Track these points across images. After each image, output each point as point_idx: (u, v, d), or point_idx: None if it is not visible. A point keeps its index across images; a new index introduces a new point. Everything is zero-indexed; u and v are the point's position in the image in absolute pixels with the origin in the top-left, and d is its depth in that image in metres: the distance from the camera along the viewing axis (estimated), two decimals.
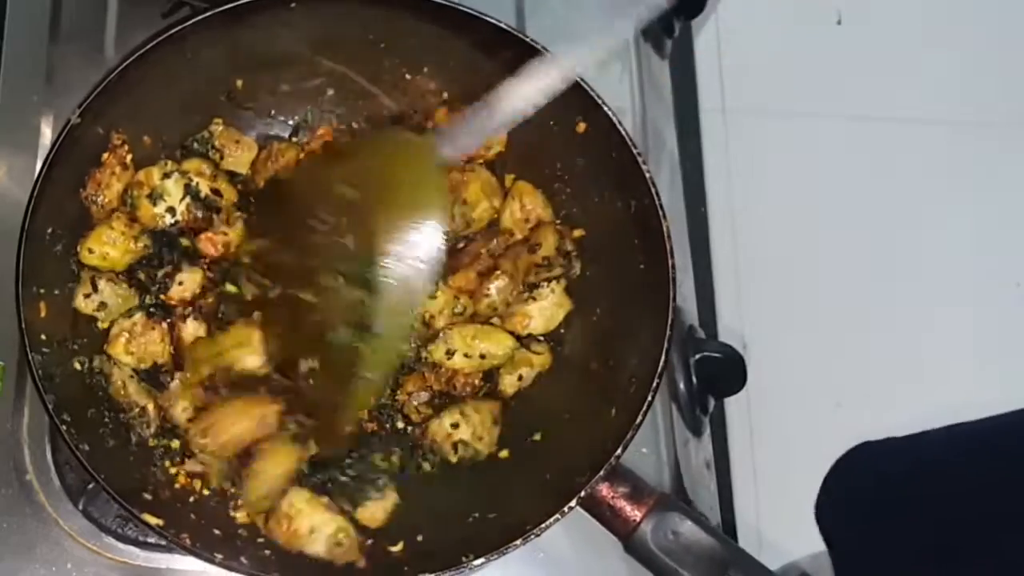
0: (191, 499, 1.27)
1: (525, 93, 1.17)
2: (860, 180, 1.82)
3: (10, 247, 1.19)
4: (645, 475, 1.26)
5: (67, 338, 1.27)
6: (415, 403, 1.37)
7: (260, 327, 1.29)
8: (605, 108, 1.30)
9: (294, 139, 1.44)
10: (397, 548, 1.26)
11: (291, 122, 1.44)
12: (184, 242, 1.34)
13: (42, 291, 1.23)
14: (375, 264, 1.19)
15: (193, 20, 1.25)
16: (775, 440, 1.68)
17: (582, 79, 1.29)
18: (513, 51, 1.30)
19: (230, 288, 1.34)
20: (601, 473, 1.20)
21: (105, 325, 1.31)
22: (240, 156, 1.40)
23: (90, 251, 1.29)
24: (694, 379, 1.51)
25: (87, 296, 1.29)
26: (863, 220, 1.80)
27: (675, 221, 1.35)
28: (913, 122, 1.86)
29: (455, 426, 1.33)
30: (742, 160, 1.80)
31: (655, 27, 1.69)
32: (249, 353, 1.30)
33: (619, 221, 1.33)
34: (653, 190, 1.27)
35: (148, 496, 1.21)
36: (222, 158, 1.39)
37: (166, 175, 1.34)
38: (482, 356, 1.36)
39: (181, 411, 1.29)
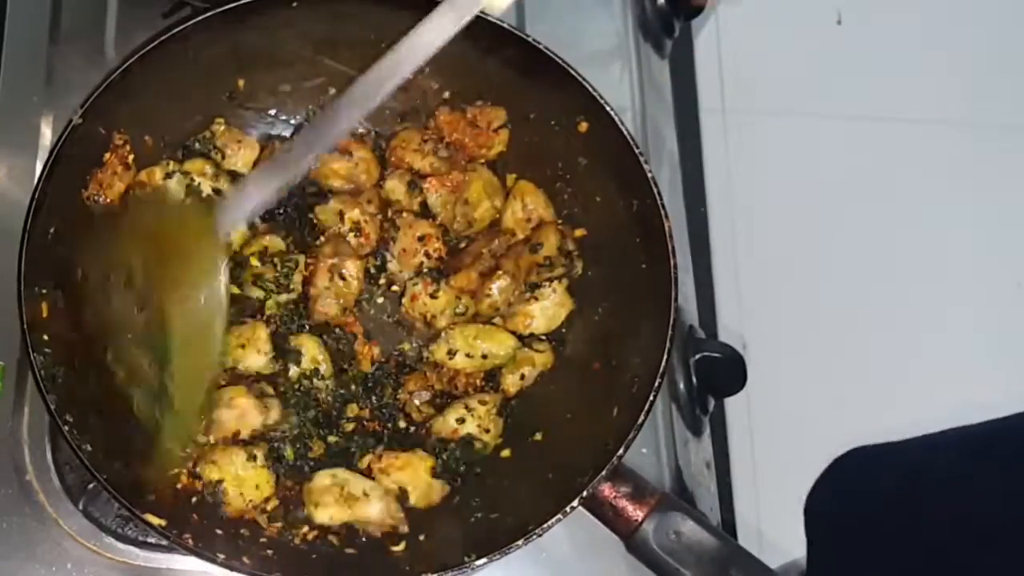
0: (193, 499, 1.26)
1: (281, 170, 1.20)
2: (860, 180, 1.83)
3: (11, 247, 1.19)
4: (645, 475, 1.26)
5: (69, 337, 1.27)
6: (416, 402, 1.37)
7: None
8: (607, 108, 1.30)
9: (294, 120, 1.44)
10: (399, 548, 1.26)
11: (293, 121, 1.44)
12: None
13: (44, 291, 1.23)
14: (164, 337, 1.18)
15: (194, 20, 1.25)
16: (775, 440, 1.68)
17: (584, 78, 1.29)
18: (514, 50, 1.30)
19: (233, 289, 1.34)
20: (603, 473, 1.20)
21: None
22: (242, 156, 1.40)
23: None
24: (694, 379, 1.51)
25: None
26: (863, 220, 1.80)
27: (675, 221, 1.34)
28: (913, 122, 1.86)
29: (460, 421, 1.33)
30: (742, 160, 1.80)
31: (655, 27, 1.69)
32: (253, 353, 1.31)
33: (621, 221, 1.33)
34: (655, 190, 1.27)
35: (150, 496, 1.21)
36: (224, 158, 1.38)
37: (168, 175, 1.34)
38: (484, 356, 1.36)
39: None
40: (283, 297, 1.36)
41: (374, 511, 1.26)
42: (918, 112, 1.87)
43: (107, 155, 1.30)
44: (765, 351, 1.68)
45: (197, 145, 1.38)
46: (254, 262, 1.35)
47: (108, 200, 1.31)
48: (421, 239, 1.39)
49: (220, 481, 1.25)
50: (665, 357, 1.23)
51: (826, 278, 1.77)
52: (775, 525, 1.61)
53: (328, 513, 1.26)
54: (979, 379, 1.72)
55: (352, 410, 1.35)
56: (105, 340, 1.23)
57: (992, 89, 1.90)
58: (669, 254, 1.26)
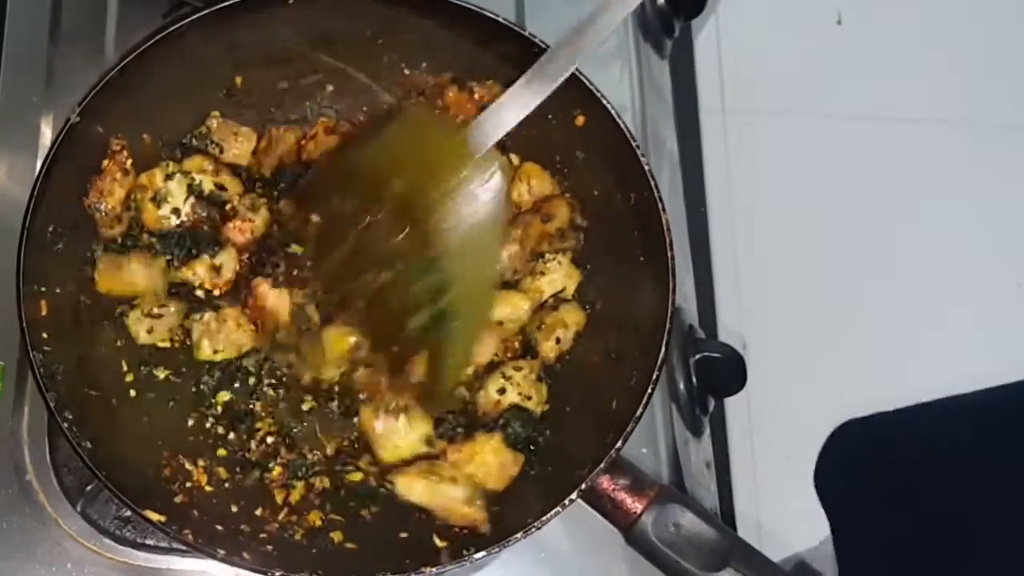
0: (193, 495, 1.27)
1: (537, 86, 1.20)
2: (860, 180, 1.82)
3: (10, 246, 1.19)
4: None
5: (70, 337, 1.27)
6: None
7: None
8: (604, 101, 1.30)
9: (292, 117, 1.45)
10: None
11: (291, 118, 1.44)
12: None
13: (43, 289, 1.23)
14: (436, 255, 1.21)
15: (191, 18, 1.25)
16: (775, 440, 1.68)
17: (580, 72, 1.29)
18: (512, 46, 1.30)
19: (296, 249, 1.35)
20: (602, 465, 1.20)
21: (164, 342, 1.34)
22: (240, 147, 1.40)
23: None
24: (694, 379, 1.51)
25: (149, 331, 1.32)
26: (863, 220, 1.80)
27: (675, 221, 1.35)
28: (913, 122, 1.86)
29: (501, 391, 1.33)
30: (742, 160, 1.80)
31: (655, 27, 1.69)
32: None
33: (619, 214, 1.33)
34: (652, 183, 1.27)
35: (150, 493, 1.21)
36: (222, 152, 1.39)
37: (168, 176, 1.34)
38: (500, 323, 1.36)
39: None
40: None
41: (459, 496, 1.27)
42: (918, 112, 1.87)
43: (105, 161, 1.31)
44: (765, 351, 1.68)
45: (194, 141, 1.38)
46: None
47: (109, 207, 1.31)
48: None
49: None
50: (663, 349, 1.23)
51: (826, 278, 1.77)
52: (775, 525, 1.61)
53: (416, 492, 1.28)
54: (979, 379, 1.72)
55: None
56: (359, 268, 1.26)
57: (992, 89, 1.89)
58: (667, 247, 1.26)
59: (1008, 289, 1.82)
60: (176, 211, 1.34)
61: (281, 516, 1.29)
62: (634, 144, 1.28)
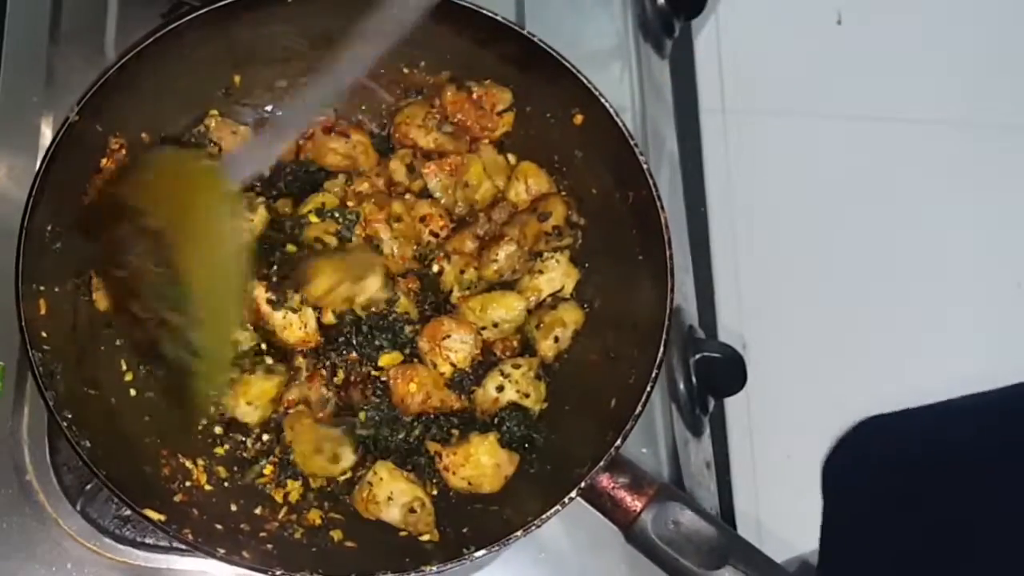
0: (193, 494, 1.27)
1: (306, 107, 1.24)
2: (860, 180, 1.82)
3: (10, 246, 1.19)
4: None
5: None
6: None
7: None
8: (602, 100, 1.30)
9: None
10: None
11: None
12: None
13: (42, 289, 1.23)
14: (185, 289, 1.20)
15: (189, 17, 1.25)
16: (775, 440, 1.68)
17: (579, 71, 1.29)
18: (512, 46, 1.30)
19: (291, 249, 1.35)
20: (601, 463, 1.20)
21: None
22: (238, 145, 1.40)
23: None
24: (694, 379, 1.51)
25: None
26: (863, 220, 1.80)
27: (675, 221, 1.35)
28: (913, 122, 1.86)
29: (500, 389, 1.33)
30: (742, 160, 1.80)
31: (655, 27, 1.69)
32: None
33: (617, 212, 1.33)
34: (651, 181, 1.27)
35: (150, 492, 1.21)
36: (221, 151, 1.39)
37: None
38: (495, 324, 1.35)
39: None
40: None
41: (393, 515, 1.27)
42: (918, 112, 1.86)
43: (104, 160, 1.31)
44: (765, 351, 1.68)
45: (192, 140, 1.38)
46: (313, 219, 1.35)
47: None
48: (423, 219, 1.39)
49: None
50: (662, 347, 1.23)
51: (826, 278, 1.77)
52: (775, 525, 1.61)
53: (359, 505, 1.29)
54: (979, 379, 1.71)
55: None
56: (131, 296, 1.26)
57: (992, 89, 1.89)
58: (665, 245, 1.26)
59: (1008, 289, 1.81)
60: None
61: (281, 515, 1.29)
62: (632, 143, 1.28)
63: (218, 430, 1.33)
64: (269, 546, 1.23)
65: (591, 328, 1.37)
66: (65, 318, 1.26)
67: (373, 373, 1.34)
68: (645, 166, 1.27)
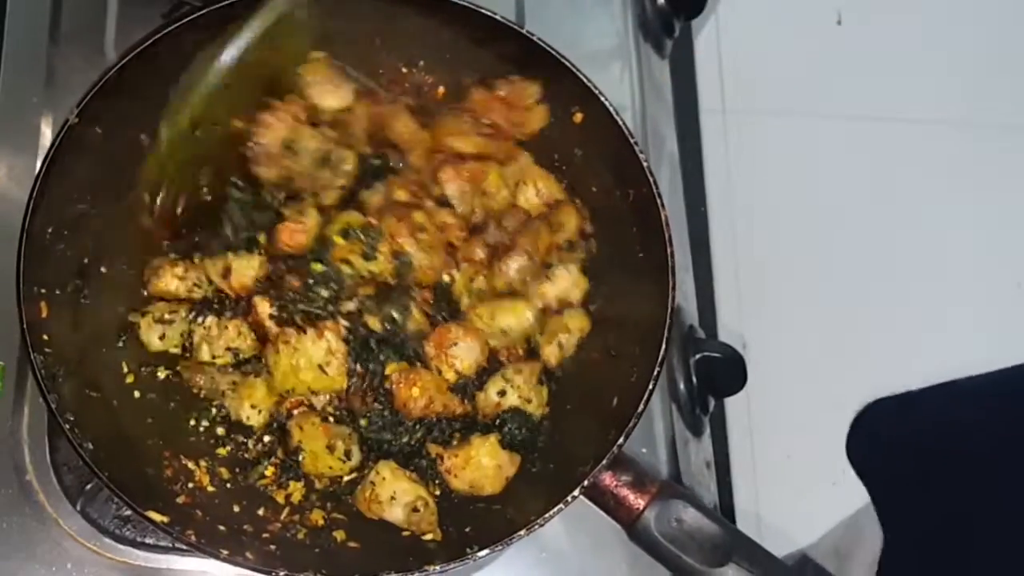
0: (196, 496, 1.27)
1: None
2: (860, 180, 1.83)
3: (11, 247, 1.19)
4: None
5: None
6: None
7: None
8: (602, 98, 1.30)
9: None
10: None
11: None
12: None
13: (43, 291, 1.23)
14: None
15: (188, 18, 1.25)
16: (775, 440, 1.68)
17: (578, 69, 1.29)
18: (511, 45, 1.30)
19: (316, 267, 1.34)
20: (604, 462, 1.20)
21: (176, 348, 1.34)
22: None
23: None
24: (694, 379, 1.51)
25: (161, 337, 1.33)
26: (863, 220, 1.80)
27: (675, 221, 1.35)
28: (913, 122, 1.86)
29: (502, 393, 1.32)
30: (742, 160, 1.80)
31: (655, 27, 1.69)
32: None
33: (617, 211, 1.33)
34: (651, 179, 1.27)
35: (153, 493, 1.21)
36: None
37: None
38: (504, 332, 1.35)
39: None
40: (373, 266, 1.34)
41: (397, 515, 1.27)
42: (918, 112, 1.87)
43: None
44: (765, 351, 1.68)
45: None
46: (339, 240, 1.34)
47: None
48: (442, 228, 1.37)
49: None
50: (664, 345, 1.23)
51: (826, 278, 1.77)
52: (775, 525, 1.61)
53: (363, 505, 1.29)
54: None
55: None
56: None
57: (992, 89, 1.90)
58: (666, 243, 1.26)
59: (1008, 289, 1.82)
60: None
61: (283, 515, 1.29)
62: (632, 140, 1.28)
63: (220, 431, 1.33)
64: (272, 547, 1.23)
65: (593, 327, 1.37)
66: (66, 320, 1.26)
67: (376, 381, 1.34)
68: (645, 164, 1.27)
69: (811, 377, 1.71)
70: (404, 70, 1.42)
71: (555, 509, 1.18)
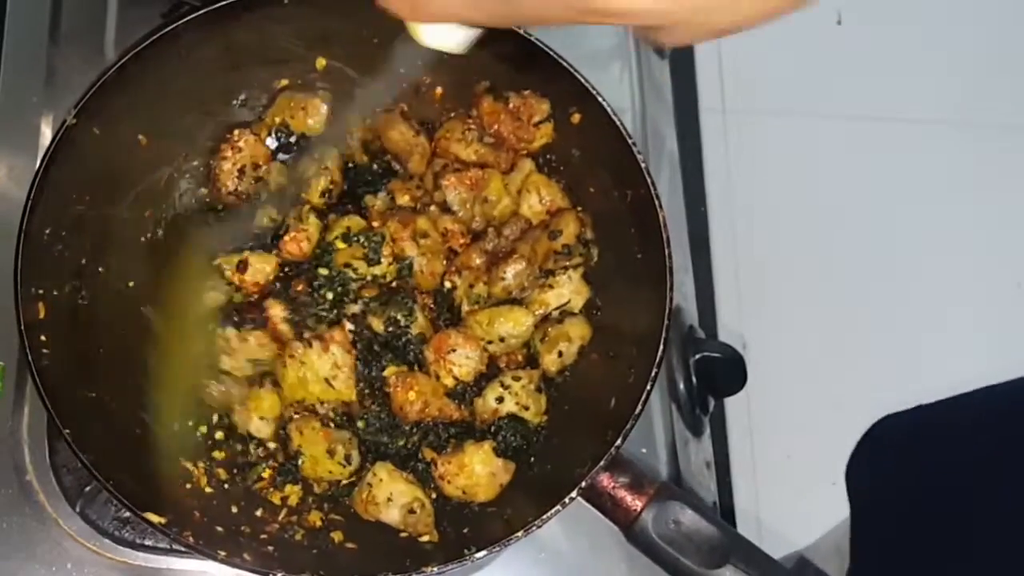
0: (194, 497, 1.27)
1: None
2: (860, 180, 1.83)
3: (10, 247, 1.19)
4: None
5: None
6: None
7: None
8: (599, 99, 1.29)
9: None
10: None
11: None
12: None
13: (41, 291, 1.23)
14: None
15: (187, 18, 1.25)
16: (775, 440, 1.68)
17: (575, 69, 1.29)
18: (510, 45, 1.30)
19: (322, 272, 1.35)
20: (602, 463, 1.20)
21: None
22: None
23: None
24: (694, 379, 1.50)
25: None
26: (863, 220, 1.80)
27: (675, 221, 1.35)
28: (913, 122, 1.86)
29: (499, 400, 1.31)
30: (742, 160, 1.80)
31: None
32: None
33: (615, 211, 1.32)
34: (649, 179, 1.26)
35: (151, 494, 1.21)
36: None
37: None
38: (502, 339, 1.34)
39: None
40: (377, 270, 1.35)
41: (393, 516, 1.27)
42: (918, 112, 1.87)
43: None
44: (765, 351, 1.69)
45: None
46: (340, 244, 1.34)
47: None
48: (444, 234, 1.38)
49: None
50: (662, 346, 1.22)
51: (826, 278, 1.77)
52: (775, 525, 1.61)
53: (359, 506, 1.29)
54: (979, 379, 1.72)
55: None
56: None
57: (992, 89, 1.90)
58: (664, 243, 1.25)
59: (1008, 289, 1.82)
60: None
61: (281, 517, 1.29)
62: (630, 140, 1.28)
63: (219, 435, 1.32)
64: (270, 548, 1.23)
65: (591, 326, 1.37)
66: (64, 321, 1.26)
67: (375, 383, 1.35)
68: (643, 164, 1.27)
69: (811, 377, 1.71)
70: (403, 71, 1.42)
71: (552, 511, 1.18)
